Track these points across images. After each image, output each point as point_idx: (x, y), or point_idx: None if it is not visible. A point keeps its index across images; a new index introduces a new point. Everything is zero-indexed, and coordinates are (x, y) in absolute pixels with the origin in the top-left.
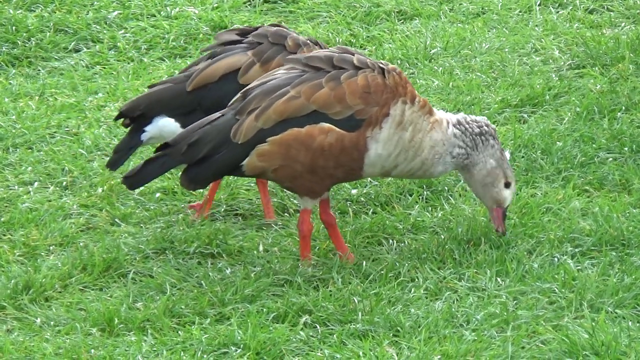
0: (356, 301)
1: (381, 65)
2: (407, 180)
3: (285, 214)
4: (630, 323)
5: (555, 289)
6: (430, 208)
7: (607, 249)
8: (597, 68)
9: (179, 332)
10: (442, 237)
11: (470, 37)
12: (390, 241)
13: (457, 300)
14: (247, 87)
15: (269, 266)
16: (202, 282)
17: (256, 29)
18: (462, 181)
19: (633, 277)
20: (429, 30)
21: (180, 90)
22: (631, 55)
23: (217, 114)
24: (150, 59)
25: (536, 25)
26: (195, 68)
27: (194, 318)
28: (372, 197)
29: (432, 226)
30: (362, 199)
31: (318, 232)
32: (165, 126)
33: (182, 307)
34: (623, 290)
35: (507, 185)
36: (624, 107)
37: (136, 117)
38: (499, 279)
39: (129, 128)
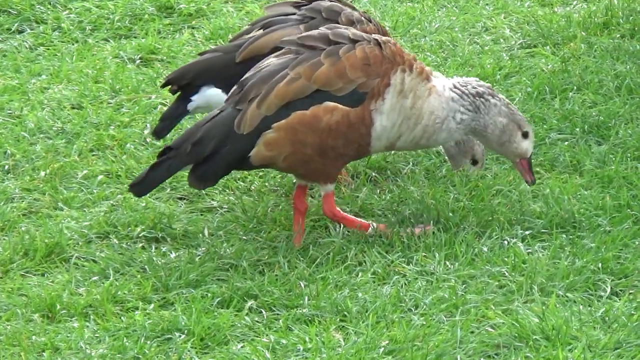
0: (302, 286)
1: (375, 37)
2: (354, 162)
3: (231, 198)
4: (581, 307)
5: (505, 272)
6: (378, 190)
7: (558, 232)
8: (548, 47)
9: (122, 317)
10: (391, 220)
11: (420, 16)
12: (337, 225)
13: (405, 284)
14: (243, 77)
15: (214, 250)
16: (146, 267)
17: (311, 1)
18: (410, 164)
19: (584, 260)
20: (378, 9)
21: (230, 60)
22: (583, 34)
23: (216, 110)
24: (95, 40)
25: (487, 4)
26: (246, 38)
27: (137, 303)
28: None
29: (380, 209)
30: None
31: (265, 216)
32: (213, 96)
33: (126, 292)
34: (574, 274)
35: (525, 135)
36: (575, 87)
37: (183, 85)
38: (447, 263)
39: (175, 95)
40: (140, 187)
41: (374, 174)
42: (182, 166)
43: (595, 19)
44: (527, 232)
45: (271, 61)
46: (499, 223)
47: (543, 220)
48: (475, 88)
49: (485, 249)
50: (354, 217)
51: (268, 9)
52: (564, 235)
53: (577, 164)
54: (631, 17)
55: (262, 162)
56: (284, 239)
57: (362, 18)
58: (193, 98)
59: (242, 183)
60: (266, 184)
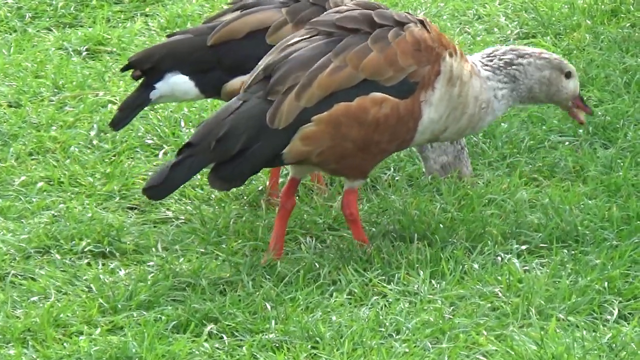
0: (269, 307)
1: (418, 17)
2: None
3: (188, 207)
4: (584, 332)
5: (499, 292)
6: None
7: (558, 247)
8: (549, 38)
9: (65, 344)
10: (369, 233)
11: (404, 2)
12: (309, 238)
13: (385, 306)
14: (267, 63)
15: (169, 267)
16: (92, 285)
17: None
18: (392, 170)
19: (588, 278)
20: None
21: (200, 43)
22: (588, 22)
23: (236, 100)
24: (36, 29)
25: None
26: (221, 20)
27: (82, 328)
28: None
29: None
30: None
31: (226, 228)
32: (178, 84)
33: (69, 315)
34: (576, 294)
35: (568, 75)
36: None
37: (147, 69)
38: (433, 282)
39: (139, 82)
40: (159, 189)
41: None
42: (205, 164)
43: (602, 6)
44: (523, 247)
45: (301, 45)
46: (492, 237)
47: (542, 234)
48: (503, 58)
49: (476, 266)
50: (361, 227)
51: None
52: (565, 251)
53: (581, 170)
54: None
55: (296, 158)
56: (249, 253)
57: (351, 2)
58: (156, 85)
59: (200, 191)
60: (228, 191)
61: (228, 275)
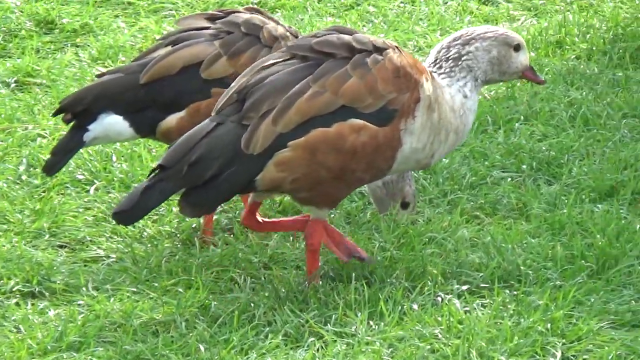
0: (203, 349)
1: (393, 43)
2: (267, 204)
3: (120, 246)
4: None
5: (439, 334)
6: (291, 238)
7: (500, 287)
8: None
9: None
10: (305, 272)
11: None
12: (244, 277)
13: (322, 347)
14: (241, 86)
15: (100, 307)
16: (20, 326)
17: (228, 13)
18: None
19: (530, 319)
20: (294, 25)
21: (133, 82)
22: (532, 54)
23: (209, 123)
24: None
25: (420, 19)
26: (152, 57)
27: None
28: (223, 224)
29: (293, 259)
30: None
31: (159, 266)
32: (112, 125)
33: None
34: (519, 336)
35: (517, 47)
36: (522, 117)
37: (79, 112)
38: (371, 323)
39: (70, 125)
40: (129, 214)
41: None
42: (177, 190)
43: (547, 37)
44: (464, 287)
45: (277, 68)
46: (432, 276)
47: (483, 273)
48: (449, 56)
49: (415, 306)
50: (318, 260)
51: (180, 22)
52: (508, 291)
53: (524, 207)
54: (588, 36)
55: (269, 185)
56: (182, 293)
57: (288, 33)
58: (90, 127)
59: (132, 229)
60: (161, 228)
61: (161, 315)
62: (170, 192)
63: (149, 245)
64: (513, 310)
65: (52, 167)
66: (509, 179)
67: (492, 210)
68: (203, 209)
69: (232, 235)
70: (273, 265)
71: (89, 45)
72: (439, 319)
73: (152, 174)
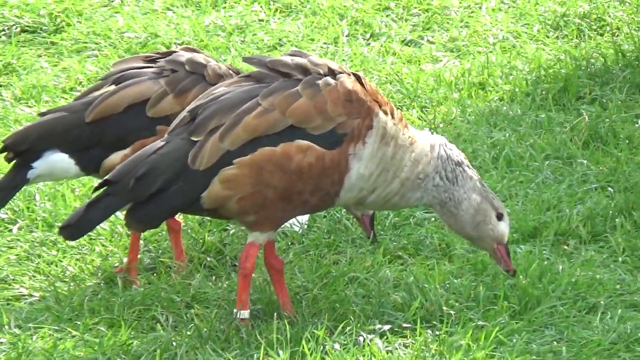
0: None
1: (353, 71)
2: (189, 242)
3: (42, 284)
4: None
5: None
6: (214, 277)
7: (423, 327)
8: (415, 110)
9: None
10: (228, 311)
11: None
12: (166, 316)
13: None
14: (195, 105)
15: (22, 346)
16: None
17: (165, 54)
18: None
19: (453, 359)
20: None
21: (78, 120)
22: (455, 95)
23: (160, 142)
24: None
25: (343, 60)
26: (95, 95)
27: None
28: (146, 263)
29: (215, 299)
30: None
31: (81, 305)
32: (57, 162)
33: None
34: None
35: (500, 216)
36: None
37: (22, 150)
38: None
39: (12, 163)
40: (74, 229)
41: (209, 258)
42: (123, 205)
43: (470, 79)
44: (386, 327)
45: (230, 89)
46: (354, 316)
47: (405, 313)
48: (458, 156)
49: (337, 346)
50: (249, 287)
51: (116, 65)
52: (430, 331)
53: (447, 248)
54: (511, 77)
55: (214, 203)
56: (104, 332)
57: (230, 71)
58: (34, 165)
59: (55, 267)
60: (83, 267)
61: (83, 354)
62: (116, 207)
63: (72, 283)
64: (435, 350)
65: None
66: (432, 220)
67: (415, 251)
68: (149, 224)
69: (154, 275)
70: (195, 304)
71: (12, 85)
72: (361, 358)
73: (95, 189)
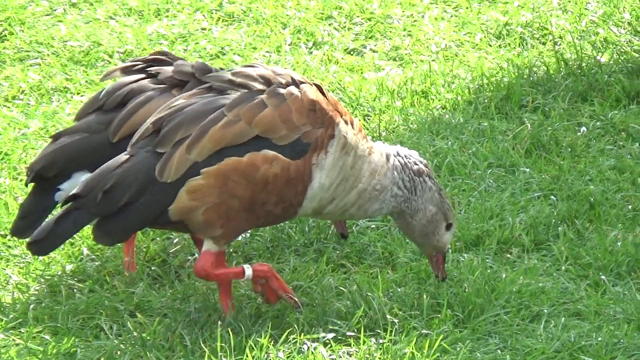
0: None
1: (313, 82)
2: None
3: None
4: None
5: None
6: (157, 286)
7: (367, 335)
8: (357, 119)
9: None
10: (171, 319)
11: None
12: (110, 324)
13: None
14: (158, 116)
15: None
16: None
17: (147, 61)
18: (196, 255)
19: None
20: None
21: (103, 141)
22: (397, 104)
23: (124, 155)
24: None
25: (285, 68)
26: (114, 114)
27: None
28: (89, 272)
29: (159, 307)
30: (77, 274)
31: (25, 314)
32: None
33: None
34: None
35: (449, 227)
36: None
37: (51, 175)
38: None
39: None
40: (42, 244)
41: (152, 267)
42: (91, 219)
43: (412, 87)
44: (330, 336)
45: (193, 100)
46: (298, 324)
47: (349, 322)
48: (417, 164)
49: (281, 354)
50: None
51: (106, 77)
52: (374, 339)
53: (390, 256)
54: (453, 85)
55: (180, 215)
56: (48, 340)
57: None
58: (62, 187)
59: None
60: (26, 275)
61: None
62: (84, 221)
63: (15, 292)
64: (379, 358)
65: (23, 230)
66: (375, 228)
67: (358, 259)
68: (117, 237)
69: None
70: (139, 312)
71: None
72: None
73: (63, 203)
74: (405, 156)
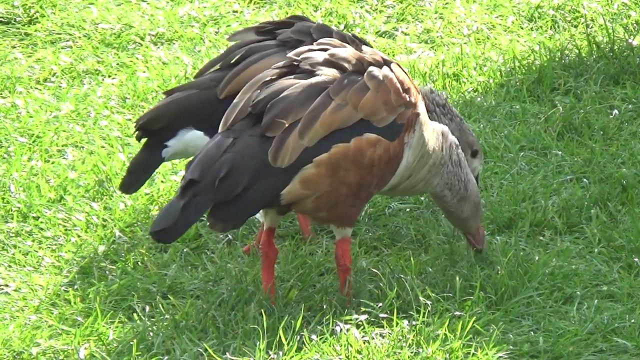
0: None
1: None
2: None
3: (19, 274)
4: None
5: None
6: (190, 268)
7: (399, 317)
8: None
9: None
10: (204, 301)
11: None
12: (143, 306)
13: None
14: (254, 99)
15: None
16: None
17: (278, 23)
18: (229, 236)
19: (429, 350)
20: (191, 57)
21: (210, 97)
22: (429, 86)
23: (224, 138)
24: None
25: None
26: (225, 71)
27: None
28: (122, 254)
29: (191, 289)
30: (109, 256)
31: (58, 295)
32: (193, 140)
33: None
34: None
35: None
36: None
37: (155, 129)
38: (270, 352)
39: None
40: (168, 233)
41: (185, 249)
42: (210, 205)
43: (444, 70)
44: (363, 317)
45: (289, 82)
46: (331, 306)
47: (382, 304)
48: (456, 139)
49: (314, 336)
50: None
51: (232, 37)
52: (406, 321)
53: (422, 239)
54: (485, 68)
55: (292, 200)
56: (80, 322)
57: (354, 38)
58: (169, 143)
59: (31, 258)
60: (59, 257)
61: (60, 343)
62: (204, 207)
63: (48, 274)
64: (412, 340)
65: (130, 186)
66: (408, 210)
67: (390, 242)
68: (232, 223)
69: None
70: (171, 294)
71: None
72: (338, 348)
73: (183, 190)
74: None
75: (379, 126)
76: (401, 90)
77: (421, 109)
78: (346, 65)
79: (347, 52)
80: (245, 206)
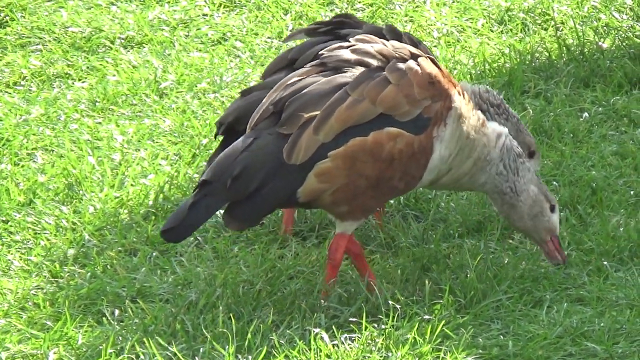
0: None
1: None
2: (134, 236)
3: None
4: None
5: None
6: (159, 271)
7: (369, 321)
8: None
9: None
10: (173, 304)
11: (210, 67)
12: (112, 310)
13: None
14: (275, 99)
15: None
16: None
17: (331, 23)
18: (198, 240)
19: (398, 354)
20: (161, 60)
21: None
22: None
23: (245, 138)
24: None
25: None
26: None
27: None
28: (91, 258)
29: (161, 293)
30: (78, 260)
31: (26, 299)
32: None
33: None
34: None
35: (552, 208)
36: None
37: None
38: (239, 356)
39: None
40: (176, 232)
41: (154, 253)
42: (222, 204)
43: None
44: (332, 321)
45: (311, 80)
46: (300, 310)
47: (351, 308)
48: (518, 148)
49: (283, 340)
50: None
51: (288, 39)
52: (376, 325)
53: (392, 242)
54: (455, 71)
55: (309, 197)
56: (49, 326)
57: (411, 40)
58: None
59: None
60: (29, 260)
61: (29, 348)
62: (216, 207)
63: (17, 278)
64: (381, 344)
65: None
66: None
67: (363, 244)
68: (248, 222)
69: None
70: (140, 298)
71: None
72: (307, 352)
73: (196, 190)
74: (511, 139)
75: (402, 120)
76: (426, 83)
77: (458, 102)
78: (371, 61)
79: (373, 47)
80: (260, 205)
